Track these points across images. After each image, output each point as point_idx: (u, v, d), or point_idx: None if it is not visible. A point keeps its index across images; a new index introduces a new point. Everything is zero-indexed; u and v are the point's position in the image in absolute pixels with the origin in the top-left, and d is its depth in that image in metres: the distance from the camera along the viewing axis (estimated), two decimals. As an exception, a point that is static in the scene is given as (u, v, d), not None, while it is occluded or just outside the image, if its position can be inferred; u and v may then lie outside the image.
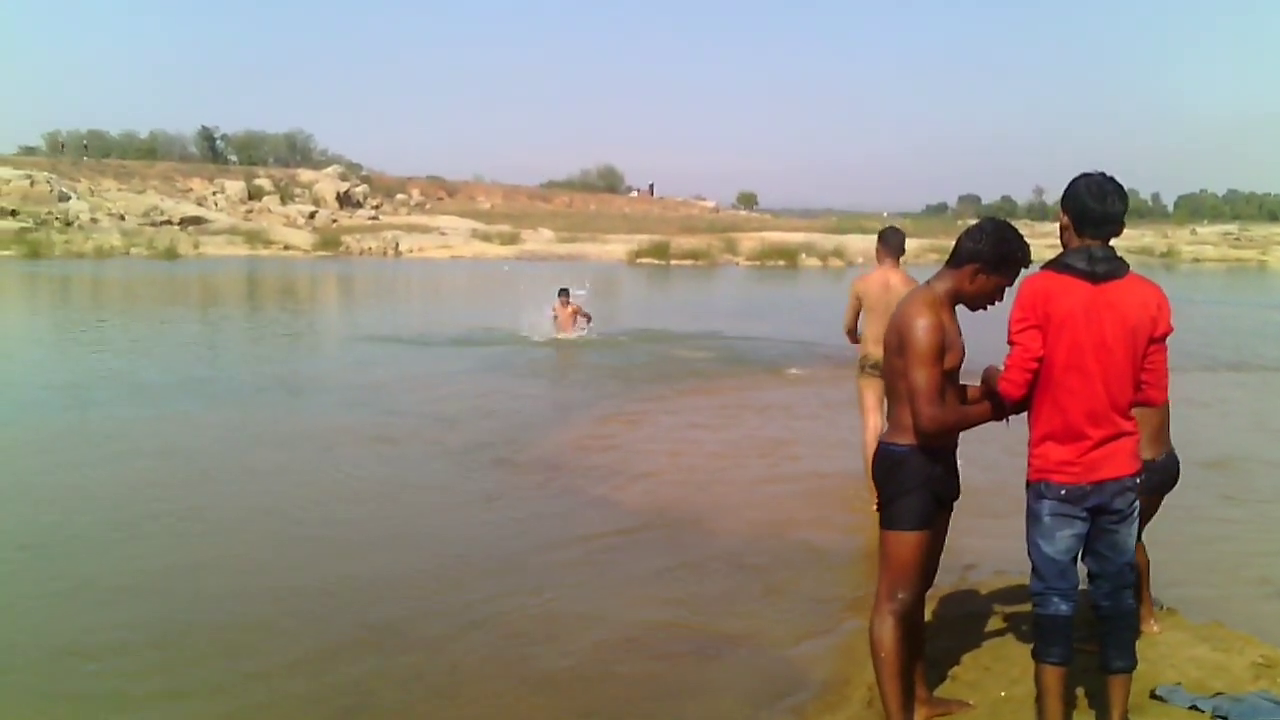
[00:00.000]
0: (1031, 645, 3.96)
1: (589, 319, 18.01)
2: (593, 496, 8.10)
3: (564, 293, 18.21)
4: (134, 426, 10.42)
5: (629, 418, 11.27)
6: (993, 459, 8.29)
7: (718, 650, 5.31)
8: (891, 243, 7.76)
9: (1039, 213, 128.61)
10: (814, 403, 12.45)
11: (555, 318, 17.93)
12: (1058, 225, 3.89)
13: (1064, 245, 3.81)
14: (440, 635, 5.42)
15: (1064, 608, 3.82)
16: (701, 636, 5.47)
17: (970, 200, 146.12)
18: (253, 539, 7.03)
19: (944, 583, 6.08)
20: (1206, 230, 72.35)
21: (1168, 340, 3.79)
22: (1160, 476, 4.87)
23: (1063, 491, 3.75)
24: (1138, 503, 3.87)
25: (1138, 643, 4.16)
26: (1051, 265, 3.77)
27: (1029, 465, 3.87)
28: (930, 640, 5.20)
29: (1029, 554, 3.90)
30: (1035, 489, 3.84)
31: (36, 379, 13.33)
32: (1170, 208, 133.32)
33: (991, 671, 4.79)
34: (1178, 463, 5.02)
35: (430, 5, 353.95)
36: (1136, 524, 3.90)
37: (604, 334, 18.03)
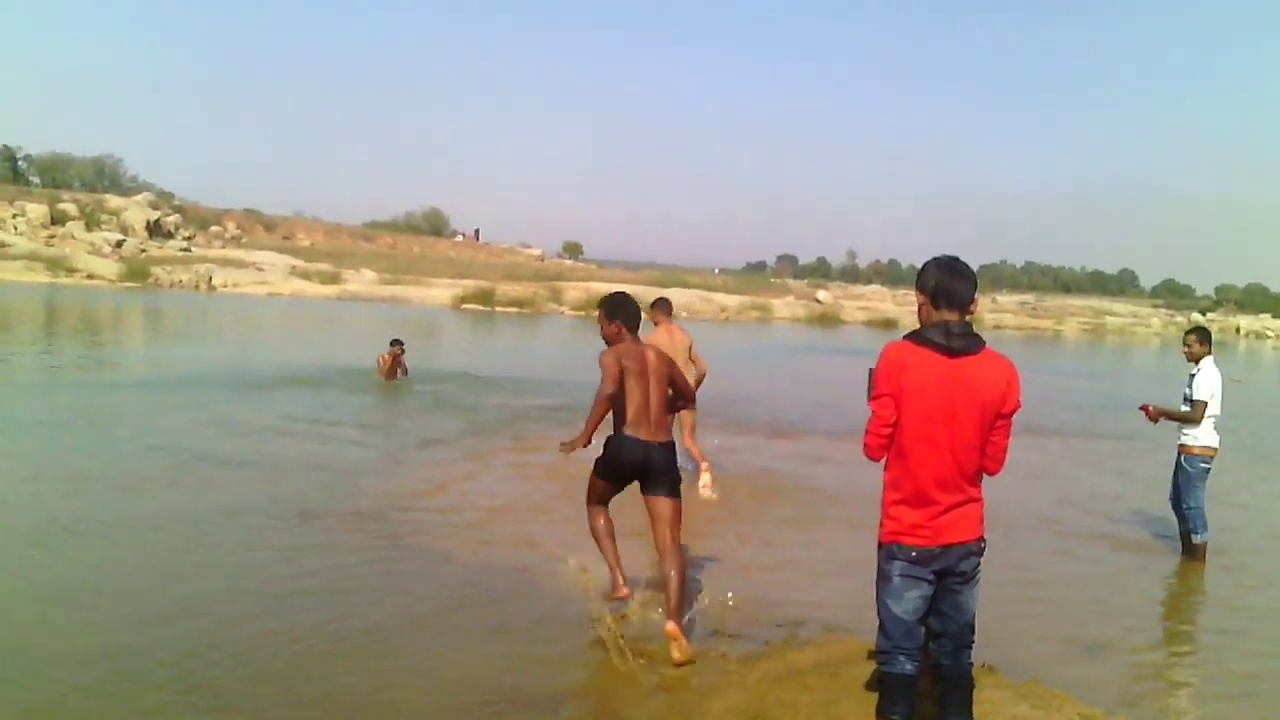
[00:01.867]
0: (876, 703, 4.13)
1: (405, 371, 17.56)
2: (423, 550, 7.86)
3: (396, 343, 17.52)
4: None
5: (455, 467, 11.05)
6: (825, 532, 8.46)
7: (553, 703, 5.20)
8: (666, 307, 10.44)
9: (851, 275, 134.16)
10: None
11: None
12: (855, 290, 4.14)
13: (921, 321, 4.05)
14: (266, 705, 5.12)
15: (909, 667, 4.02)
16: (533, 696, 5.34)
17: (788, 259, 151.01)
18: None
19: (775, 638, 6.16)
20: (1006, 299, 76.47)
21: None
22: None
23: (913, 554, 3.95)
24: (978, 566, 4.06)
25: None
26: (911, 337, 4.01)
27: (882, 527, 4.06)
28: (766, 694, 5.25)
29: (878, 612, 4.07)
30: (887, 550, 4.02)
31: None
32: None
33: (824, 729, 4.84)
34: None
35: (254, 35, 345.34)
36: (978, 586, 4.09)
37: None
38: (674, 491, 6.10)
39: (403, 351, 17.44)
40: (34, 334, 24.64)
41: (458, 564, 7.49)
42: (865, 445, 4.06)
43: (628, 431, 6.05)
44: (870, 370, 4.29)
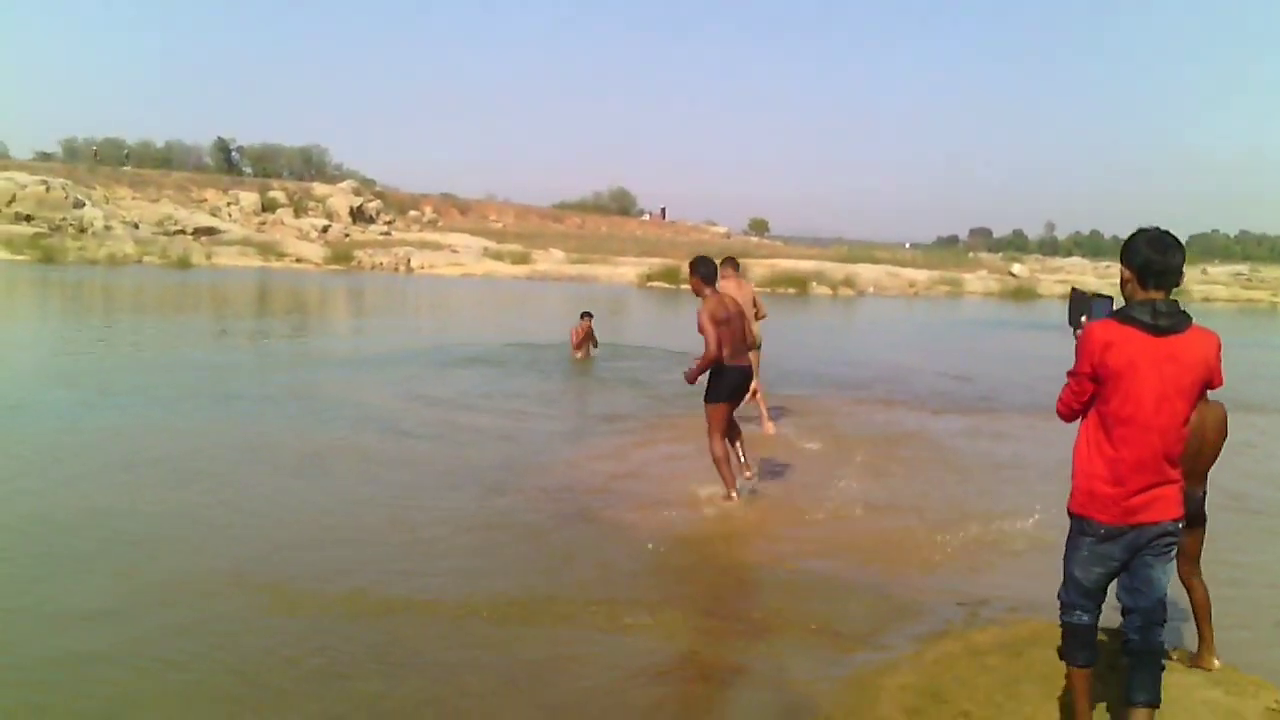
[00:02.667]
0: (1059, 649, 4.30)
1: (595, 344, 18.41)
2: (609, 522, 8.07)
3: (587, 315, 18.47)
4: (139, 432, 10.42)
5: (643, 441, 11.24)
6: (1018, 500, 8.27)
7: (728, 680, 5.31)
8: (733, 264, 11.26)
9: (1050, 247, 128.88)
10: (825, 431, 12.42)
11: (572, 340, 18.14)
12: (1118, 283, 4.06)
13: (1126, 298, 4.01)
14: (453, 660, 5.40)
15: (1086, 619, 4.15)
16: (712, 666, 5.46)
17: (982, 233, 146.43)
18: (251, 555, 7.02)
19: (955, 620, 6.08)
20: (1217, 270, 72.21)
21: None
22: (1196, 508, 5.05)
23: (1102, 530, 4.00)
24: (1175, 545, 4.08)
25: None
26: (1116, 316, 3.99)
27: (1073, 498, 4.10)
28: (941, 674, 5.21)
29: (1065, 567, 4.18)
30: (1078, 522, 4.09)
31: (53, 382, 13.36)
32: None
33: (1004, 710, 4.78)
34: (1205, 497, 5.20)
35: (449, 26, 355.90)
36: (1172, 564, 4.12)
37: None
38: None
39: (592, 322, 18.33)
40: (249, 315, 26.18)
41: (641, 531, 7.65)
42: (1059, 407, 4.15)
43: (728, 362, 8.31)
44: (1075, 292, 4.40)
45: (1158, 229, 4.01)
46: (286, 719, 4.70)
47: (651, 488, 9.13)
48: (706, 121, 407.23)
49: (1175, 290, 3.99)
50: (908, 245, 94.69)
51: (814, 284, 47.06)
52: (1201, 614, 5.28)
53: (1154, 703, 4.11)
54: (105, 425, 10.86)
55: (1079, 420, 4.13)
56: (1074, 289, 4.42)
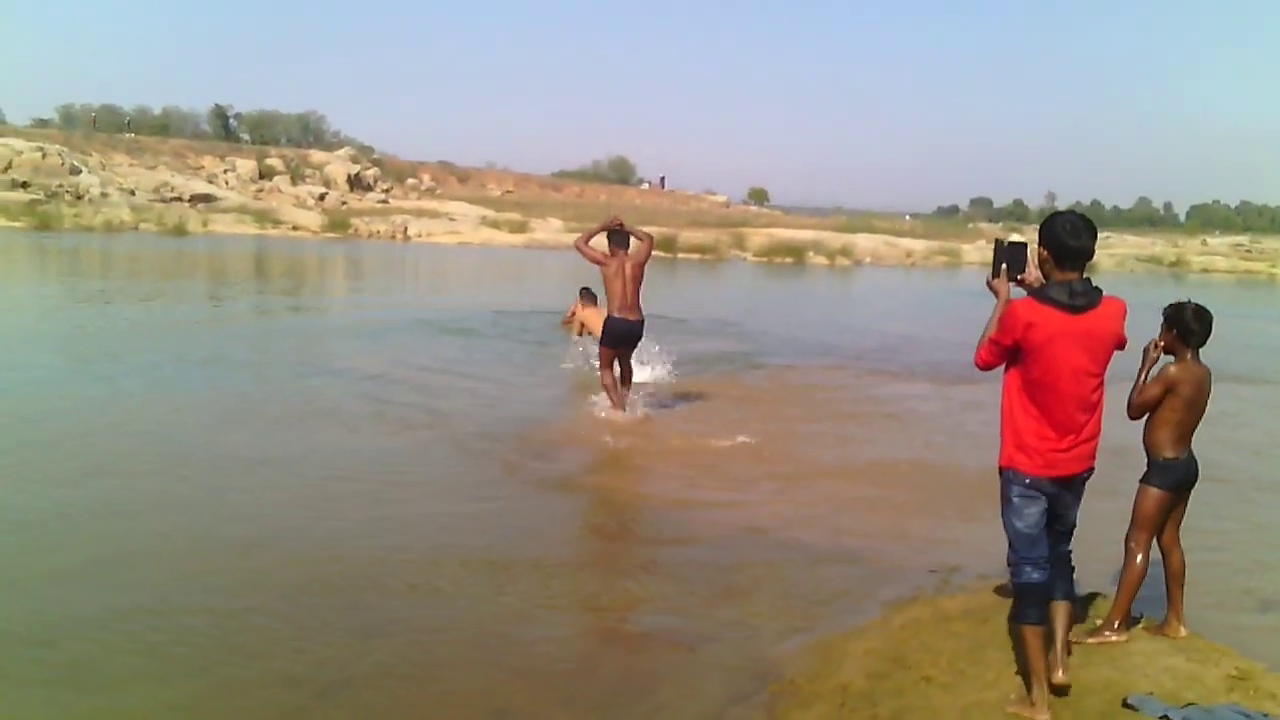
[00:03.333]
0: (1011, 612, 4.59)
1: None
2: (588, 488, 8.11)
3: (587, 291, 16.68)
4: (127, 404, 10.44)
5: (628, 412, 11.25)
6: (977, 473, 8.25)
7: (698, 643, 5.35)
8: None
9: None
10: (809, 396, 12.44)
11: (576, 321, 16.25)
12: (1032, 253, 4.49)
13: (1045, 275, 4.38)
14: (423, 622, 5.45)
15: (1036, 576, 4.46)
16: (682, 630, 5.50)
17: (982, 203, 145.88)
18: (242, 519, 7.05)
19: (926, 586, 6.12)
20: (1217, 241, 71.91)
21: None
22: (1180, 475, 5.10)
23: (1027, 480, 4.41)
24: (1083, 489, 4.60)
25: (1114, 651, 4.93)
26: (1035, 295, 4.35)
27: (1002, 453, 4.49)
28: (907, 640, 5.25)
29: (1005, 529, 4.52)
30: (1007, 474, 4.49)
31: (54, 350, 13.37)
32: (1182, 217, 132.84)
33: (966, 675, 4.80)
34: (1196, 464, 5.16)
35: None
36: (1079, 503, 4.63)
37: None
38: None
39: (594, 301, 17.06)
40: (243, 283, 26.16)
41: (623, 496, 7.69)
42: (977, 361, 4.53)
43: (616, 315, 10.42)
44: (999, 243, 4.70)
45: (1073, 214, 4.37)
46: (253, 675, 4.74)
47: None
48: (707, 90, 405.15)
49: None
50: (907, 216, 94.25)
51: (811, 254, 46.94)
52: (1175, 582, 5.29)
53: (1070, 596, 4.69)
54: (87, 395, 10.87)
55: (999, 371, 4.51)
56: (996, 240, 4.76)
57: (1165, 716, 4.25)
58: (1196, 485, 5.23)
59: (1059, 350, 4.24)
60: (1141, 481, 5.16)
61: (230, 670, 4.79)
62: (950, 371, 14.35)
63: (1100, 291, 4.30)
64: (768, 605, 5.83)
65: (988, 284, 4.63)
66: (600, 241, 10.70)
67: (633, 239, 10.87)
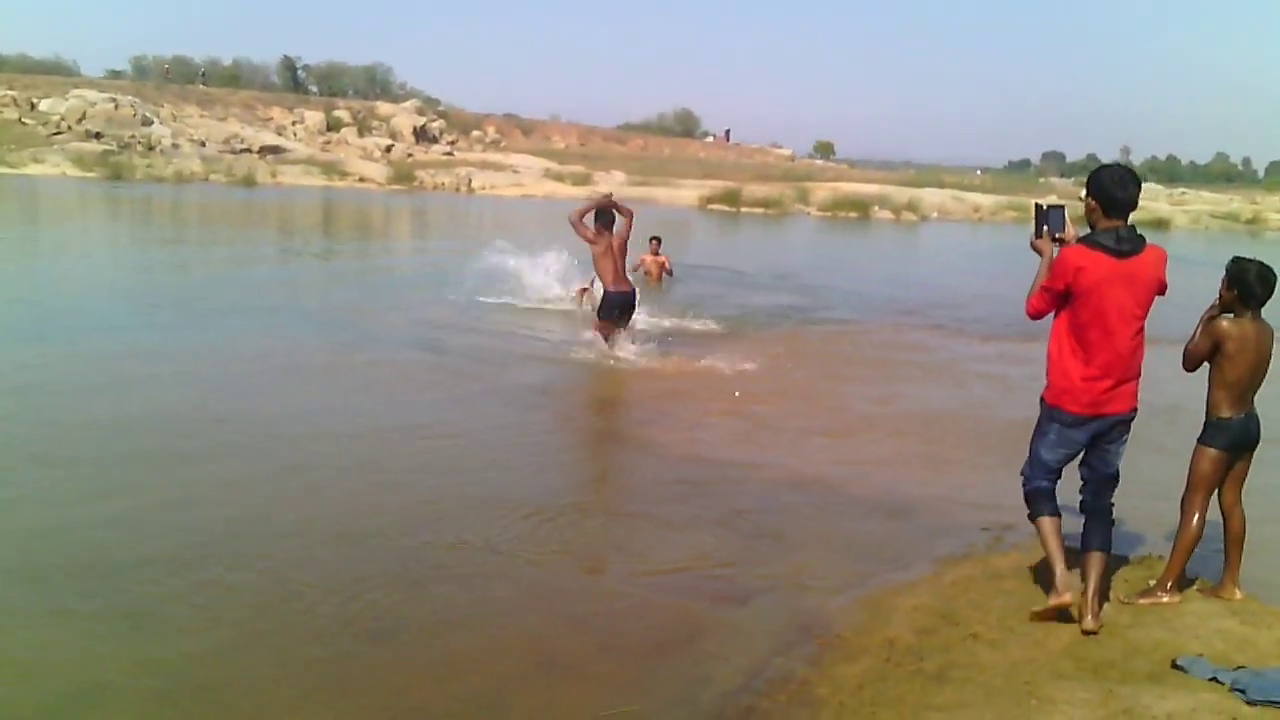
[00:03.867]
0: (1029, 515, 5.00)
1: (672, 274, 17.64)
2: (639, 440, 8.17)
3: (655, 240, 17.65)
4: (181, 351, 10.65)
5: (684, 365, 11.29)
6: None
7: (746, 595, 5.37)
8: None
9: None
10: (869, 354, 12.38)
11: (642, 269, 17.08)
12: (1072, 214, 4.89)
13: (1091, 225, 4.68)
14: (473, 569, 5.53)
15: (1045, 484, 4.92)
16: (731, 582, 5.53)
17: (1054, 158, 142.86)
18: (292, 466, 7.19)
19: (978, 543, 6.10)
20: (1300, 197, 69.90)
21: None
22: (1237, 434, 5.01)
23: (1069, 419, 4.75)
24: (1128, 430, 4.85)
25: (1166, 612, 4.94)
26: (1084, 241, 4.66)
27: (1048, 390, 4.83)
28: (957, 597, 5.24)
29: (1032, 448, 4.95)
30: (1050, 411, 4.83)
31: (143, 297, 13.67)
32: (1261, 173, 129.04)
33: (1015, 633, 4.80)
34: (1258, 423, 5.08)
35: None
36: (1125, 446, 4.89)
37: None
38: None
39: (659, 245, 17.68)
40: (309, 234, 26.50)
41: (672, 449, 7.74)
42: (1029, 309, 4.85)
43: (610, 289, 10.93)
44: (1039, 206, 4.95)
45: (1119, 165, 4.75)
46: (306, 620, 4.85)
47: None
48: (773, 42, 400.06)
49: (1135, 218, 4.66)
50: (979, 171, 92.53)
51: (876, 208, 46.38)
52: (1233, 545, 5.21)
53: (1106, 548, 4.91)
54: (146, 344, 11.11)
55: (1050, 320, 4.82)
56: (1036, 203, 5.02)
57: (1215, 678, 4.22)
58: (1260, 447, 5.14)
59: (1107, 292, 4.55)
60: (1198, 441, 5.09)
61: (284, 615, 4.90)
62: (1009, 327, 14.15)
63: (1144, 239, 4.61)
64: (816, 559, 5.83)
65: (1031, 244, 4.96)
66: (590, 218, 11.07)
67: (618, 216, 11.38)
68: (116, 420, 7.96)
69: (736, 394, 9.67)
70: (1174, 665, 4.37)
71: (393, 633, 4.79)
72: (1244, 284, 4.87)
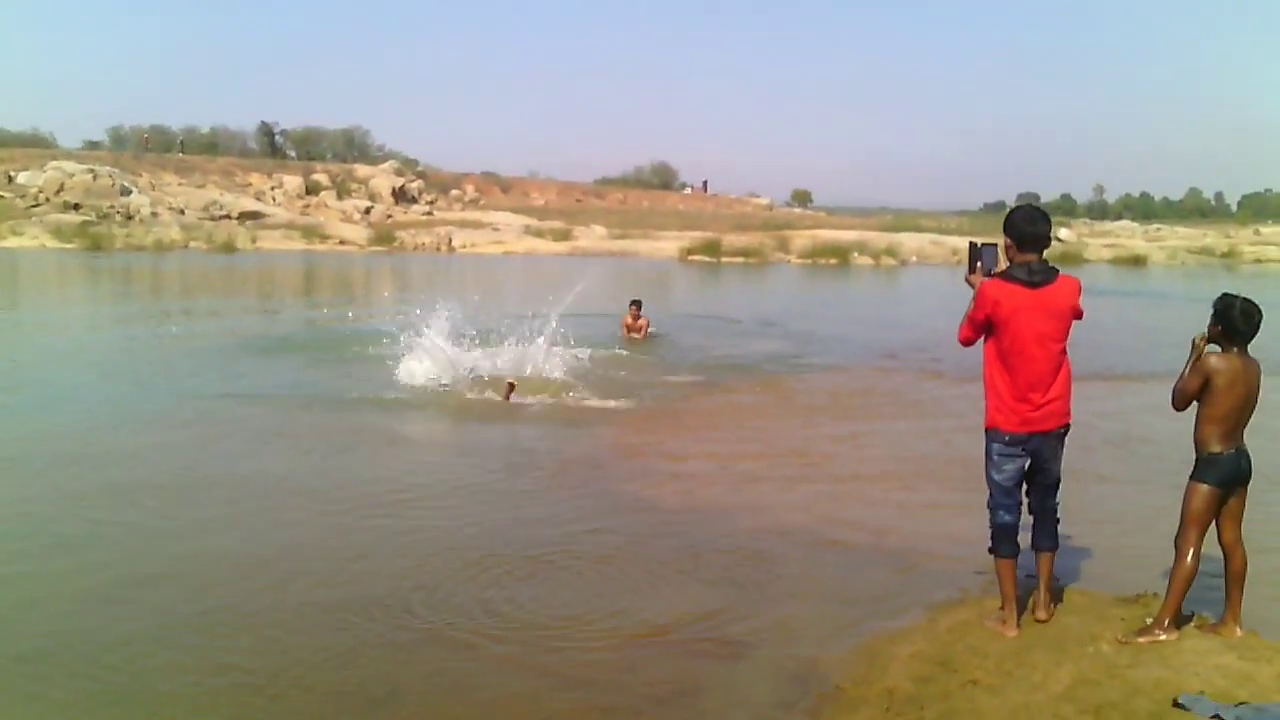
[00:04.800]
0: (989, 548, 5.34)
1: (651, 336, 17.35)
2: (624, 494, 8.12)
3: (636, 304, 17.46)
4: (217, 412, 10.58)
5: (669, 416, 11.27)
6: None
7: (740, 649, 5.31)
8: None
9: (1099, 211, 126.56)
10: (855, 399, 12.38)
11: (627, 334, 17.24)
12: (1002, 246, 5.24)
13: (1010, 260, 5.15)
14: (465, 629, 5.47)
15: (1008, 518, 5.27)
16: (724, 635, 5.47)
17: (1029, 197, 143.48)
18: (282, 528, 7.12)
19: (972, 587, 6.05)
20: (1271, 230, 70.61)
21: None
22: (1228, 470, 5.00)
23: (1007, 438, 5.17)
24: (1062, 446, 5.29)
25: (1165, 650, 4.92)
26: (1001, 275, 5.14)
27: (986, 415, 5.24)
28: (954, 643, 5.19)
29: (986, 480, 5.31)
30: (990, 434, 5.25)
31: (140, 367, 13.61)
32: (1234, 207, 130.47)
33: (1013, 677, 4.75)
34: (1249, 458, 5.09)
35: (487, 3, 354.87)
36: (1060, 459, 5.32)
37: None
38: None
39: (639, 310, 17.40)
40: (289, 297, 26.48)
41: (662, 500, 7.69)
42: (959, 337, 5.32)
43: None
44: (973, 244, 5.44)
45: (1029, 206, 5.27)
46: (301, 692, 4.78)
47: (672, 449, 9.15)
48: (748, 94, 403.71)
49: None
50: (958, 213, 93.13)
51: (855, 254, 46.65)
52: (1234, 583, 5.18)
53: (1053, 547, 5.42)
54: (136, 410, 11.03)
55: (981, 346, 5.25)
56: (970, 241, 5.52)
57: (1217, 716, 4.18)
58: (1253, 482, 5.13)
59: (1023, 320, 5.01)
60: (1190, 478, 5.07)
61: (279, 687, 4.83)
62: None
63: (1057, 270, 5.11)
64: (809, 609, 5.79)
65: (965, 280, 5.41)
66: None
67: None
68: (87, 492, 7.88)
69: (720, 443, 9.65)
70: (1175, 704, 4.33)
71: (389, 699, 4.72)
72: (1229, 320, 4.91)
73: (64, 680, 4.87)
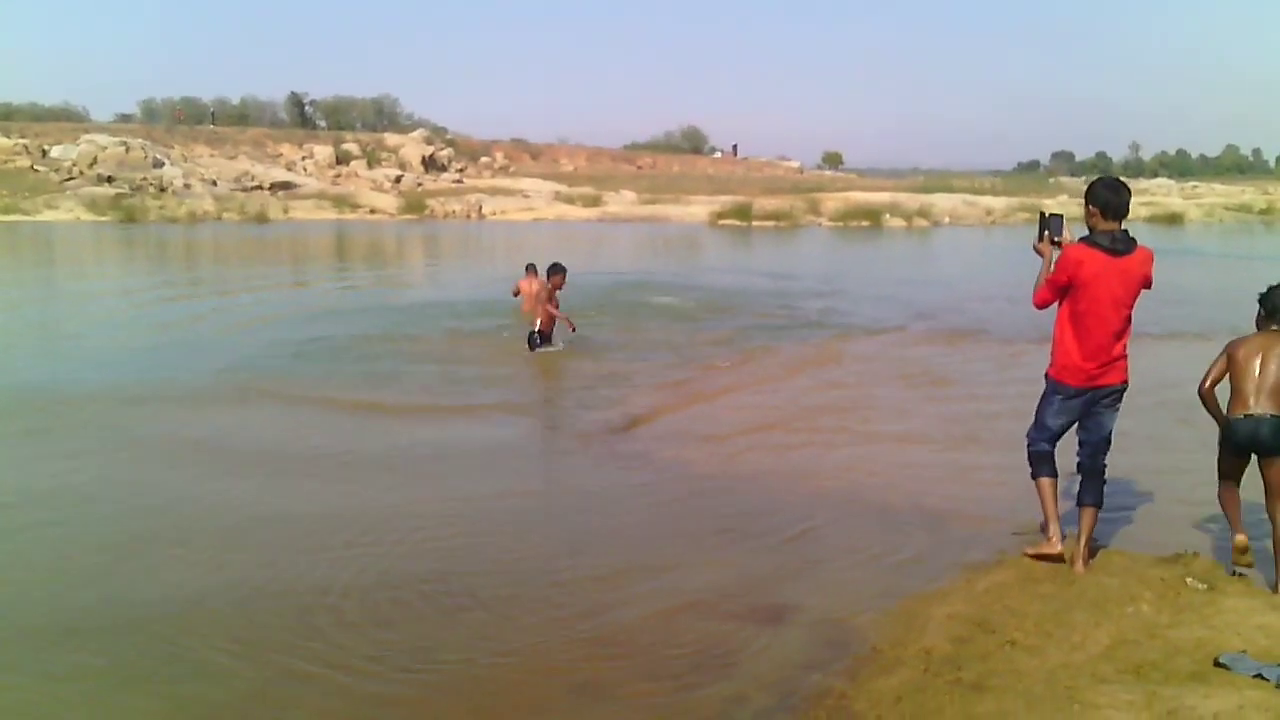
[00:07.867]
0: (1030, 473, 5.80)
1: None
2: (662, 458, 8.13)
3: (531, 268, 14.52)
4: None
5: (699, 381, 11.26)
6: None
7: (777, 611, 5.31)
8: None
9: (1135, 169, 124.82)
10: (887, 364, 12.32)
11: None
12: (1084, 214, 5.47)
13: (1091, 227, 5.42)
14: (505, 594, 5.49)
15: (1046, 447, 5.74)
16: (762, 598, 5.47)
17: (1064, 157, 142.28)
18: (321, 493, 7.19)
19: (1010, 548, 6.03)
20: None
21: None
22: (1244, 435, 5.27)
23: (1071, 391, 5.56)
24: (1119, 401, 5.61)
25: (1206, 609, 4.92)
26: (1084, 240, 5.44)
27: (1052, 366, 5.64)
28: (992, 604, 5.17)
29: (1036, 415, 5.77)
30: (1053, 384, 5.65)
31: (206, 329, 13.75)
32: (1272, 164, 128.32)
33: (1053, 638, 4.74)
34: (1272, 428, 5.18)
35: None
36: (1116, 415, 5.65)
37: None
38: None
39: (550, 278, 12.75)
40: (322, 266, 26.60)
41: (696, 466, 7.70)
42: (1035, 301, 5.63)
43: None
44: (1043, 214, 5.80)
45: (1112, 177, 5.56)
46: (338, 655, 4.83)
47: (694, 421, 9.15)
48: (778, 55, 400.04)
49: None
50: (989, 173, 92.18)
51: (887, 216, 46.33)
52: (1278, 548, 5.18)
53: (1098, 504, 5.67)
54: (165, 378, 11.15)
55: (1056, 310, 5.58)
56: (1040, 211, 5.82)
57: (1259, 674, 4.15)
58: None
59: (1102, 285, 5.32)
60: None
61: (315, 650, 4.87)
62: (1027, 332, 14.06)
63: (1136, 241, 5.38)
64: (846, 572, 5.78)
65: (1033, 247, 5.77)
66: None
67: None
68: (138, 461, 7.97)
69: (753, 408, 9.63)
70: (1216, 663, 4.31)
71: (428, 662, 4.76)
72: (1270, 302, 5.42)
73: (93, 657, 4.95)
